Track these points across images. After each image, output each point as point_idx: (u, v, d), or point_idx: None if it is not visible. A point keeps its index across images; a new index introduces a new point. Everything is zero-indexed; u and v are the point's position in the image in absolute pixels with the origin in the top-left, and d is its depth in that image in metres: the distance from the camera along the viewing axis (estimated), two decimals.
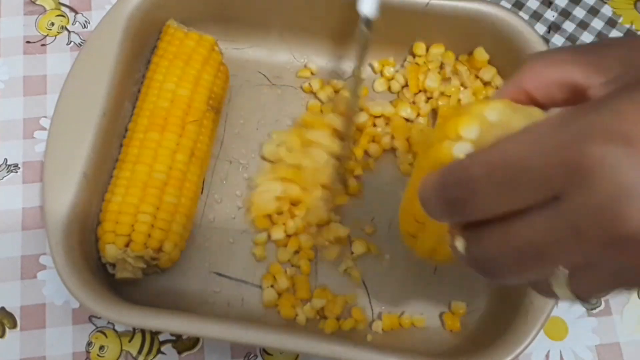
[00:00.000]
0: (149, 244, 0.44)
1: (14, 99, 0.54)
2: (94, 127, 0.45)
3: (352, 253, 0.48)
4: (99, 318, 0.48)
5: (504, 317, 0.44)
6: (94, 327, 0.48)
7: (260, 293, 0.48)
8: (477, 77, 0.52)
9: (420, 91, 0.52)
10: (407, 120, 0.52)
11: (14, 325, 0.48)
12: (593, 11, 0.58)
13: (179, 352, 0.48)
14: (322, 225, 0.49)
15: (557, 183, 0.22)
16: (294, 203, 0.49)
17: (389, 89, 0.54)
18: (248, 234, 0.49)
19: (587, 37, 0.57)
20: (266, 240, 0.49)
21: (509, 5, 0.58)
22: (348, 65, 0.54)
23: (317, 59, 0.54)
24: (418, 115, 0.52)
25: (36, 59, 0.55)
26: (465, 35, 0.50)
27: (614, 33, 0.57)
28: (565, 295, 0.25)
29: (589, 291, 0.25)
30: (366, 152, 0.51)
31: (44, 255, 0.50)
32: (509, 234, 0.24)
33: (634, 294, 0.49)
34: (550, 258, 0.23)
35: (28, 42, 0.56)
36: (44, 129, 0.53)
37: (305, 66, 0.54)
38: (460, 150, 0.27)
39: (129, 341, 0.48)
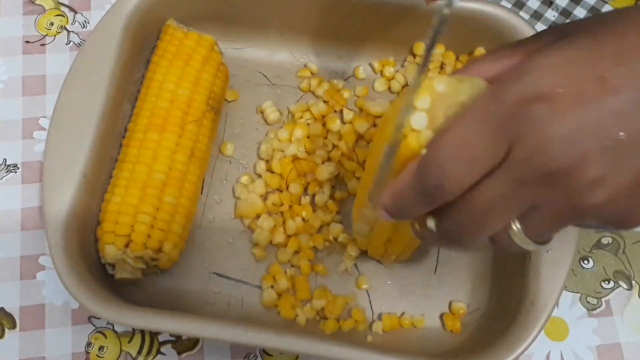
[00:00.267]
0: (148, 245, 0.44)
1: (13, 99, 0.54)
2: (94, 127, 0.45)
3: (347, 253, 0.48)
4: (99, 319, 0.48)
5: (504, 317, 0.44)
6: (93, 328, 0.48)
7: (260, 293, 0.48)
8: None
9: None
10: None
11: (13, 325, 0.48)
12: (594, 11, 0.58)
13: (179, 353, 0.48)
14: (323, 225, 0.49)
15: (503, 145, 0.27)
16: (281, 189, 0.50)
17: (389, 89, 0.54)
18: (247, 234, 0.49)
19: None
20: (267, 241, 0.49)
21: (509, 5, 0.58)
22: (348, 65, 0.54)
23: (317, 59, 0.54)
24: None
25: (35, 58, 0.55)
26: (466, 35, 0.50)
27: None
28: (522, 241, 0.30)
29: (539, 232, 0.29)
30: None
31: (43, 256, 0.50)
32: (471, 202, 0.29)
33: (635, 295, 0.49)
34: (505, 210, 0.28)
35: (27, 41, 0.56)
36: (43, 129, 0.53)
37: (305, 66, 0.54)
38: (416, 120, 0.30)
39: (129, 342, 0.48)
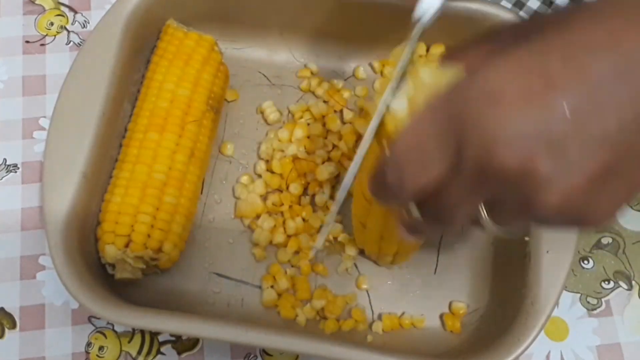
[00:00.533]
0: (148, 245, 0.44)
1: (13, 99, 0.54)
2: (94, 127, 0.45)
3: (346, 253, 0.48)
4: (99, 319, 0.48)
5: (504, 317, 0.44)
6: (93, 328, 0.48)
7: (260, 293, 0.48)
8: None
9: None
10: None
11: (13, 325, 0.48)
12: None
13: (179, 353, 0.48)
14: (323, 225, 0.49)
15: (452, 145, 0.27)
16: (281, 189, 0.50)
17: None
18: (247, 234, 0.49)
19: None
20: (267, 241, 0.49)
21: (509, 5, 0.58)
22: (348, 65, 0.54)
23: (317, 59, 0.54)
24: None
25: (35, 58, 0.55)
26: (465, 35, 0.50)
27: None
28: (490, 227, 0.30)
29: (504, 222, 0.30)
30: None
31: (43, 256, 0.50)
32: (442, 196, 0.29)
33: (635, 295, 0.49)
34: (467, 203, 0.29)
35: (27, 41, 0.56)
36: (43, 129, 0.53)
37: (305, 66, 0.54)
38: (397, 105, 0.31)
39: (129, 342, 0.48)
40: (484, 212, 0.30)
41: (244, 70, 0.54)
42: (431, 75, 0.31)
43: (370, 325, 0.47)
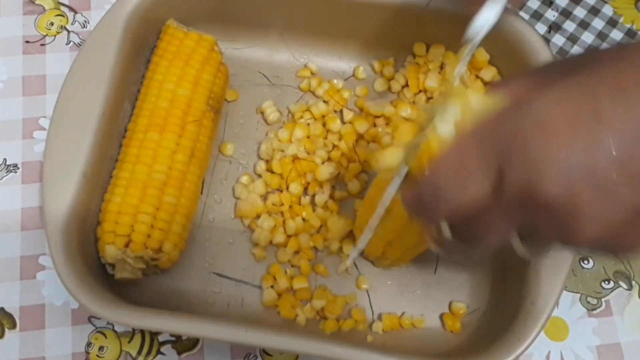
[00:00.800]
0: (148, 245, 0.44)
1: (13, 99, 0.54)
2: (94, 127, 0.45)
3: (344, 253, 0.48)
4: (99, 319, 0.48)
5: (504, 317, 0.44)
6: (93, 328, 0.48)
7: (260, 293, 0.48)
8: (477, 77, 0.52)
9: (420, 91, 0.52)
10: (407, 120, 0.52)
11: (13, 325, 0.48)
12: (594, 11, 0.58)
13: (179, 353, 0.48)
14: (323, 225, 0.49)
15: (494, 172, 0.28)
16: (281, 189, 0.50)
17: (389, 89, 0.53)
18: (247, 234, 0.49)
19: (587, 37, 0.57)
20: (267, 241, 0.49)
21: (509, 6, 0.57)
22: (348, 65, 0.54)
23: (317, 59, 0.54)
24: (418, 115, 0.52)
25: (35, 58, 0.55)
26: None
27: (615, 33, 0.57)
28: (522, 252, 0.31)
29: (536, 249, 0.31)
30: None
31: (43, 256, 0.50)
32: (477, 220, 0.30)
33: (635, 295, 0.49)
34: (503, 228, 0.30)
35: (27, 41, 0.56)
36: (43, 129, 0.53)
37: (305, 66, 0.54)
38: (443, 128, 0.31)
39: (129, 342, 0.48)
40: (516, 237, 0.30)
41: (244, 70, 0.54)
42: (480, 102, 0.31)
43: (370, 326, 0.47)
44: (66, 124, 0.45)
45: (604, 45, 0.57)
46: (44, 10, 0.57)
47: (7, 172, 0.52)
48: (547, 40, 0.57)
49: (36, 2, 0.57)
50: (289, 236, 0.49)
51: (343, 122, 0.52)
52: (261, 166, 0.51)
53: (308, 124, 0.51)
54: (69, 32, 0.56)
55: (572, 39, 0.57)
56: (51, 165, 0.44)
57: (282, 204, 0.49)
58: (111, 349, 0.48)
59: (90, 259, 0.45)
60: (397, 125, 0.51)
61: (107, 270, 0.45)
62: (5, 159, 0.52)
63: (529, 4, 0.58)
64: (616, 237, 0.27)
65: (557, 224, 0.27)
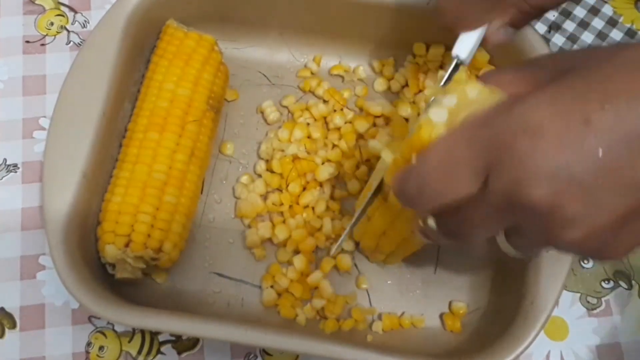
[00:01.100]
0: (148, 244, 0.44)
1: (13, 99, 0.54)
2: (94, 127, 0.45)
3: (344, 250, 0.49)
4: (99, 318, 0.48)
5: (504, 317, 0.44)
6: (93, 328, 0.48)
7: (260, 293, 0.48)
8: (477, 77, 0.52)
9: (420, 91, 0.52)
10: (407, 120, 0.52)
11: (13, 325, 0.48)
12: (594, 11, 0.58)
13: (179, 353, 0.48)
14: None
15: (482, 170, 0.28)
16: (280, 189, 0.50)
17: (389, 89, 0.54)
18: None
19: (587, 37, 0.57)
20: (263, 239, 0.49)
21: None
22: (348, 66, 0.54)
23: (317, 59, 0.54)
24: (418, 115, 0.52)
25: (35, 58, 0.55)
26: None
27: (615, 33, 0.57)
28: (508, 249, 0.32)
29: (522, 247, 0.31)
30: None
31: (43, 256, 0.50)
32: (462, 216, 0.30)
33: (635, 295, 0.49)
34: (488, 226, 0.30)
35: (27, 41, 0.56)
36: (43, 129, 0.53)
37: (305, 66, 0.54)
38: (435, 114, 0.30)
39: (129, 341, 0.48)
40: (502, 235, 0.31)
41: (244, 70, 0.54)
42: (477, 93, 0.31)
43: (370, 325, 0.47)
44: (66, 124, 0.45)
45: (604, 45, 0.57)
46: (44, 10, 0.57)
47: (7, 172, 0.52)
48: (547, 40, 0.57)
49: (36, 2, 0.57)
50: (289, 236, 0.49)
51: (343, 122, 0.52)
52: (261, 166, 0.51)
53: (308, 124, 0.51)
54: (69, 32, 0.56)
55: (572, 38, 0.57)
56: (51, 165, 0.44)
57: (282, 204, 0.49)
58: (111, 348, 0.48)
59: (91, 259, 0.45)
60: (397, 124, 0.51)
61: (107, 270, 0.45)
62: (5, 159, 0.52)
63: None
64: (600, 241, 0.28)
65: (541, 226, 0.28)
